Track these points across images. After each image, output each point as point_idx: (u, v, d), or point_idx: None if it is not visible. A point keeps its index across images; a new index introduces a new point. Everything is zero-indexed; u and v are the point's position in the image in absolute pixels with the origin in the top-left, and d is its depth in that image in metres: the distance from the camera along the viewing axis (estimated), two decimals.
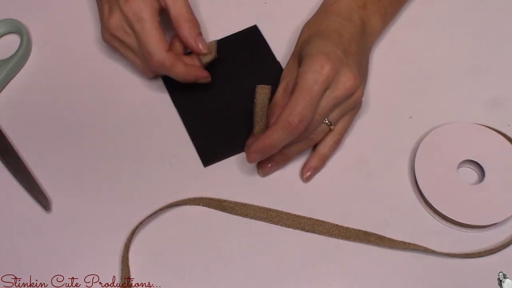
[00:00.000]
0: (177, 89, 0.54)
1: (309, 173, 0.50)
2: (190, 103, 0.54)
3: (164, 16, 0.50)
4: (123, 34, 0.50)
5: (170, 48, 0.50)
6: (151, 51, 0.48)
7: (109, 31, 0.50)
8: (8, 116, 0.54)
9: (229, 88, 0.54)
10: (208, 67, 0.53)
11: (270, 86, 0.49)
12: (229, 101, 0.54)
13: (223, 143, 0.52)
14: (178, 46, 0.52)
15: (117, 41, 0.51)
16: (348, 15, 0.50)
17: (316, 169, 0.50)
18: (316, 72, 0.44)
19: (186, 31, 0.50)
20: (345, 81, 0.45)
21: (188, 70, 0.50)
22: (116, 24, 0.49)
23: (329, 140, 0.49)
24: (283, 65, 0.54)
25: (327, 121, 0.47)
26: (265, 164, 0.50)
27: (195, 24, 0.50)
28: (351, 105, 0.48)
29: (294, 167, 0.51)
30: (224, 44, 0.55)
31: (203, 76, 0.51)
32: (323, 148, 0.50)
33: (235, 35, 0.57)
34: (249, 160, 0.47)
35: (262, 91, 0.48)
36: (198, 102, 0.54)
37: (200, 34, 0.51)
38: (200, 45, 0.50)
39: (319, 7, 0.53)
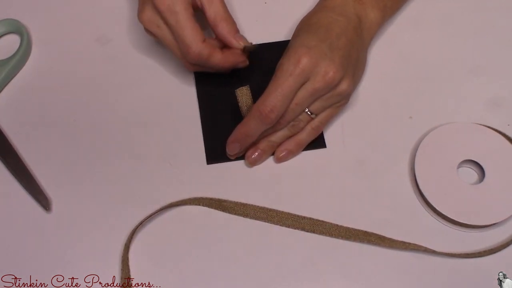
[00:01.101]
0: (204, 83, 0.55)
1: (283, 154, 0.51)
2: (213, 99, 0.54)
3: (198, 14, 0.49)
4: (155, 28, 0.50)
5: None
6: (188, 43, 0.48)
7: (143, 25, 0.50)
8: (8, 116, 0.54)
9: (255, 95, 0.54)
10: (241, 71, 0.53)
11: (248, 86, 0.50)
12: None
13: None
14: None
15: (153, 35, 0.51)
16: (342, 10, 0.50)
17: (291, 153, 0.51)
18: (293, 64, 0.46)
19: (224, 30, 0.49)
20: (324, 73, 0.46)
21: (226, 57, 0.50)
22: (147, 18, 0.49)
23: (308, 127, 0.50)
24: None
25: (307, 111, 0.48)
26: (251, 153, 0.51)
27: (232, 22, 0.50)
28: (336, 98, 0.49)
29: (294, 168, 0.51)
30: (263, 50, 0.55)
31: (240, 60, 0.51)
32: (301, 134, 0.51)
33: (276, 43, 0.56)
34: (228, 150, 0.50)
35: (242, 93, 0.50)
36: (221, 100, 0.54)
37: (238, 31, 0.50)
38: (240, 42, 0.50)
39: (317, 2, 0.53)
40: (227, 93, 0.53)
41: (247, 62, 0.52)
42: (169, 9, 0.47)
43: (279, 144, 0.51)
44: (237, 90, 0.50)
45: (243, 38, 0.50)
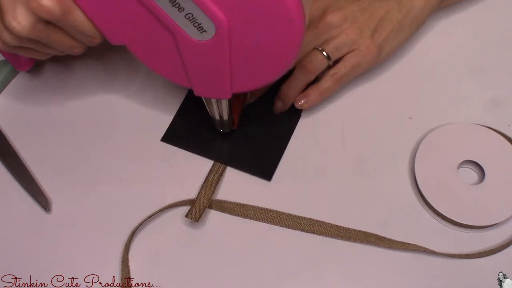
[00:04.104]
0: None
1: (303, 101, 0.51)
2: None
3: None
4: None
5: None
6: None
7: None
8: (8, 117, 0.54)
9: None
10: None
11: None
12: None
13: (191, 137, 0.52)
14: None
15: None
16: None
17: (312, 100, 0.51)
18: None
19: None
20: (323, 15, 0.50)
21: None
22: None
23: (326, 74, 0.51)
24: None
25: (320, 48, 0.49)
26: (275, 102, 0.53)
27: None
28: (343, 39, 0.49)
29: (293, 168, 0.51)
30: None
31: None
32: (321, 82, 0.51)
33: None
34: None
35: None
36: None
37: None
38: None
39: None
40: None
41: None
42: None
43: (297, 92, 0.51)
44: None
45: None
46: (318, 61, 0.49)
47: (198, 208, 0.48)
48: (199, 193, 0.49)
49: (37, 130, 0.54)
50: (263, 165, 0.51)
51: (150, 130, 0.53)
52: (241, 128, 0.52)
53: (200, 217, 0.48)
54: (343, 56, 0.51)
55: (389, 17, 0.51)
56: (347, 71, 0.51)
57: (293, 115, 0.53)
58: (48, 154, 0.52)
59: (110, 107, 0.54)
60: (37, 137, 0.53)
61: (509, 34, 0.57)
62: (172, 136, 0.53)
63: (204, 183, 0.50)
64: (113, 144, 0.53)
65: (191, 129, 0.53)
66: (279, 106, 0.53)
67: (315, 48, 0.50)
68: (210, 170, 0.51)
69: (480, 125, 0.51)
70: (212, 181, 0.50)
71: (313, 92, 0.51)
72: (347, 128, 0.53)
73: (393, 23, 0.51)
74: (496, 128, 0.51)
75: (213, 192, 0.50)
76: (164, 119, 0.54)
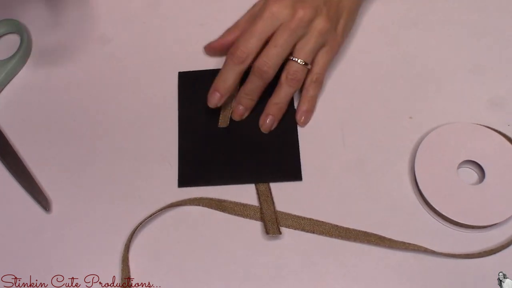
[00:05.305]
0: (187, 108, 0.54)
1: (303, 117, 0.52)
2: (193, 125, 0.53)
3: None
4: None
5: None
6: None
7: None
8: (8, 116, 0.54)
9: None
10: None
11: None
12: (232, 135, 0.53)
13: (205, 171, 0.51)
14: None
15: None
16: None
17: (308, 112, 0.53)
18: (261, 10, 0.49)
19: None
20: (294, 12, 0.48)
21: None
22: None
23: (309, 81, 0.52)
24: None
25: (298, 60, 0.49)
26: (263, 120, 0.52)
27: None
28: (317, 38, 0.50)
29: None
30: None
31: None
32: (305, 91, 0.52)
33: None
34: (209, 101, 0.50)
35: None
36: (201, 124, 0.53)
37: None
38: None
39: None
40: (208, 116, 0.53)
41: None
42: None
43: (285, 102, 0.51)
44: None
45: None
46: (300, 71, 0.50)
47: (271, 221, 0.48)
48: (261, 208, 0.49)
49: (37, 130, 0.54)
50: (288, 167, 0.51)
51: (150, 128, 0.53)
52: (249, 146, 0.52)
53: (278, 228, 0.48)
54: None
55: (343, 5, 0.52)
56: (325, 70, 0.52)
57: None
58: (48, 154, 0.52)
59: (110, 107, 0.54)
60: (37, 137, 0.53)
61: (509, 34, 0.57)
62: (187, 179, 0.51)
63: (259, 198, 0.50)
64: (113, 144, 0.53)
65: (200, 164, 0.51)
66: (270, 123, 0.52)
67: (291, 59, 0.50)
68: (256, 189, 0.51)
69: (480, 125, 0.51)
70: (265, 193, 0.50)
71: (308, 104, 0.52)
72: (347, 128, 0.53)
73: (347, 10, 0.52)
74: (496, 128, 0.51)
75: (272, 202, 0.49)
76: (163, 116, 0.54)
